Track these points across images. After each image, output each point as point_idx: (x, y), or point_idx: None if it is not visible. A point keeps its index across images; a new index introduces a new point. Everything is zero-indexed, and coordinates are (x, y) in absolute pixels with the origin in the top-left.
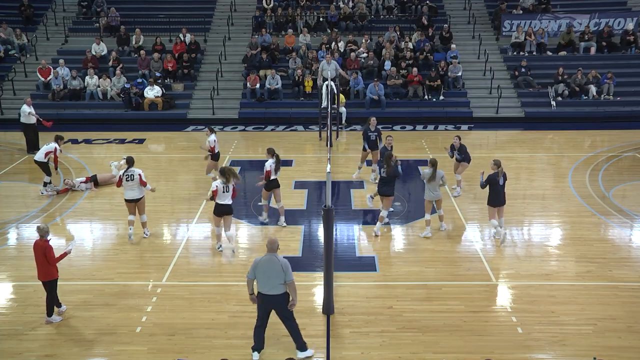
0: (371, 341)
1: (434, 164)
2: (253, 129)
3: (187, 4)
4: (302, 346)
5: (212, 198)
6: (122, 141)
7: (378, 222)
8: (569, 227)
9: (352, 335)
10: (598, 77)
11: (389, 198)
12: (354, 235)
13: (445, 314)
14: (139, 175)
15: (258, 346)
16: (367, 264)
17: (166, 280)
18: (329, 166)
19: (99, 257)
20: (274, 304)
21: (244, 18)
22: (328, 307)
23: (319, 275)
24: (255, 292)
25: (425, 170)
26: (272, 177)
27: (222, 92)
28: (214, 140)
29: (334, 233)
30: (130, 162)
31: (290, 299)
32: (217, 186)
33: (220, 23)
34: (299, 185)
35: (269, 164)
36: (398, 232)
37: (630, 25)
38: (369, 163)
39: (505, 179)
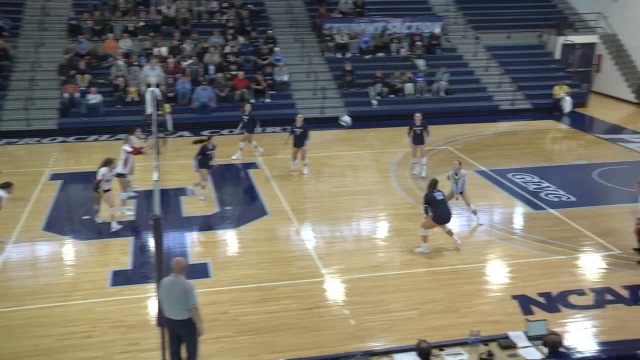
0: (208, 348)
1: None
2: (75, 139)
3: None
4: None
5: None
6: None
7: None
8: (394, 219)
9: None
10: (411, 76)
11: None
12: (186, 243)
13: (281, 313)
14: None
15: None
16: (200, 271)
17: None
18: (156, 174)
19: None
20: (178, 330)
21: (58, 22)
22: (162, 319)
23: (152, 287)
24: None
25: None
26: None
27: (38, 102)
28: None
29: (165, 242)
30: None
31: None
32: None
33: (30, 28)
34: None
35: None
36: (231, 236)
37: (436, 29)
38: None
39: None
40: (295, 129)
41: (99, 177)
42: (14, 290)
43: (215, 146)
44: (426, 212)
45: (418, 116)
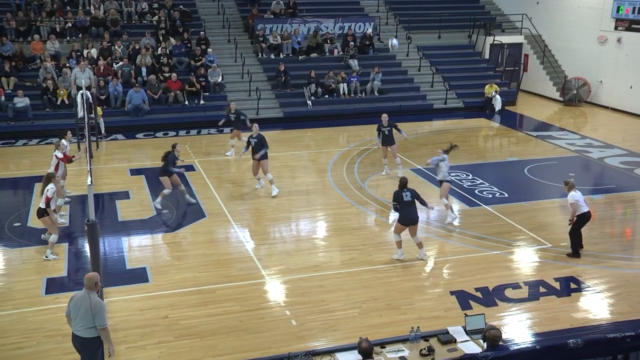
0: (149, 354)
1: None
2: (2, 144)
3: None
4: None
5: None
6: None
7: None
8: (332, 219)
9: (128, 351)
10: (345, 76)
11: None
12: (123, 248)
13: (221, 316)
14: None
15: None
16: (138, 276)
17: None
18: (89, 178)
19: None
20: (80, 347)
21: None
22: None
23: None
24: None
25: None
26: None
27: None
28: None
29: (102, 247)
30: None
31: (106, 347)
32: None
33: None
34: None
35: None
36: (169, 240)
37: (368, 29)
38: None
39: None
40: (251, 140)
41: (49, 194)
42: None
43: (391, 123)
44: (395, 209)
45: (385, 117)
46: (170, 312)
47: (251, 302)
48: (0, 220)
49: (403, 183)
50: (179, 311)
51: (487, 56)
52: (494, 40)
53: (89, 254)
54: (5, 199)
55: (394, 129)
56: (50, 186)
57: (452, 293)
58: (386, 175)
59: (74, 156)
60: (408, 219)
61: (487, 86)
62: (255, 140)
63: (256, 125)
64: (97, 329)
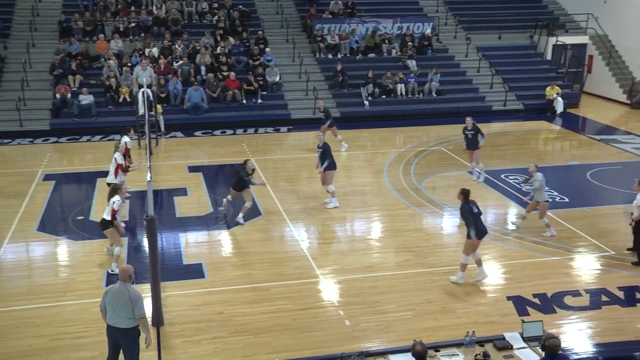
0: (203, 349)
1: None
2: (67, 140)
3: None
4: None
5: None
6: None
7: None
8: (388, 220)
9: (184, 345)
10: (403, 77)
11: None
12: (180, 243)
13: (275, 314)
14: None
15: None
16: (194, 271)
17: None
18: (149, 175)
19: None
20: (119, 338)
21: (49, 23)
22: (157, 319)
23: (146, 287)
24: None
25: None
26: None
27: (30, 103)
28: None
29: (160, 242)
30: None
31: (145, 336)
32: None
33: (21, 28)
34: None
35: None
36: (225, 237)
37: (427, 30)
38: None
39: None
40: (467, 132)
41: (115, 207)
42: (8, 291)
43: (254, 169)
44: (467, 225)
45: (469, 120)
46: (225, 308)
47: (305, 301)
48: (64, 214)
49: (466, 194)
50: (234, 308)
51: (549, 57)
52: (556, 40)
53: (147, 249)
54: (70, 193)
55: (477, 134)
56: (116, 198)
57: (508, 298)
58: (476, 181)
59: (129, 166)
60: (482, 232)
61: (548, 88)
62: (320, 150)
63: (321, 134)
64: (136, 318)
